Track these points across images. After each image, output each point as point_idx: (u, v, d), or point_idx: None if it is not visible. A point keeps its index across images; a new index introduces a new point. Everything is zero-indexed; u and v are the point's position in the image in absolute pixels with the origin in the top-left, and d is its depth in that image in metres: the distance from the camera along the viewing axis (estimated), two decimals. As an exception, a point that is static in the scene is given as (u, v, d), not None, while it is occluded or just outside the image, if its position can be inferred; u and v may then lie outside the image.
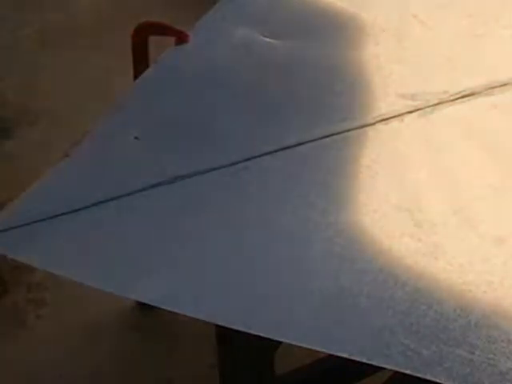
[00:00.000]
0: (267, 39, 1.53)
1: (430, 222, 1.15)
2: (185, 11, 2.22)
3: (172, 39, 1.51)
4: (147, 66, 1.51)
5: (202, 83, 1.42)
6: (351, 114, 1.35)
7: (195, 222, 1.16)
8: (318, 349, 0.99)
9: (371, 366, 0.97)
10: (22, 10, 3.11)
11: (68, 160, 1.24)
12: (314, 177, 1.24)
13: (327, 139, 1.29)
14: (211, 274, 1.09)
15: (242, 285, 1.07)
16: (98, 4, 3.17)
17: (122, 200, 1.17)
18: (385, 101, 1.38)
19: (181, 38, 1.50)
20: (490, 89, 1.40)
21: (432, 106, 1.36)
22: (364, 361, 0.97)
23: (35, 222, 1.13)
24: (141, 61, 1.61)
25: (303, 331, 1.01)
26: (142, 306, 1.92)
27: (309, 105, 1.39)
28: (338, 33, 1.58)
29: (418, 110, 1.35)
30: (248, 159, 1.25)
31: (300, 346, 0.98)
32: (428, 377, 0.94)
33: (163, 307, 1.04)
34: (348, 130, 1.31)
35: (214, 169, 1.23)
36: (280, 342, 1.24)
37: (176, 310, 1.03)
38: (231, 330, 1.01)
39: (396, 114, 1.34)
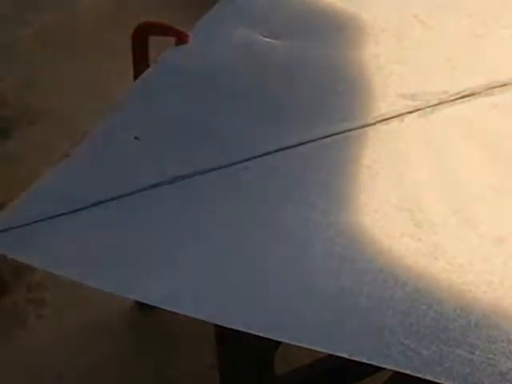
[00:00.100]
0: (267, 39, 1.53)
1: (430, 221, 1.15)
2: (185, 11, 2.22)
3: (172, 39, 1.51)
4: (147, 66, 1.51)
5: (202, 83, 1.42)
6: (351, 114, 1.35)
7: (195, 221, 1.16)
8: (318, 349, 0.99)
9: (371, 365, 0.97)
10: (22, 10, 3.11)
11: (68, 160, 1.23)
12: (314, 177, 1.24)
13: (327, 139, 1.29)
14: (211, 273, 1.09)
15: (242, 285, 1.07)
16: (98, 4, 3.17)
17: (122, 200, 1.17)
18: (385, 101, 1.38)
19: (181, 38, 1.50)
20: (490, 89, 1.40)
21: (432, 106, 1.36)
22: (364, 361, 0.97)
23: (35, 222, 1.13)
24: (141, 61, 1.61)
25: (303, 331, 1.01)
26: (142, 306, 1.92)
27: (309, 105, 1.39)
28: (338, 33, 1.58)
29: (418, 110, 1.35)
30: (248, 159, 1.25)
31: (300, 346, 0.98)
32: (428, 377, 0.94)
33: (163, 307, 1.04)
34: (348, 130, 1.31)
35: (214, 169, 1.23)
36: (280, 342, 1.24)
37: (176, 310, 1.03)
38: (231, 330, 1.01)
39: (396, 113, 1.34)
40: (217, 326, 1.22)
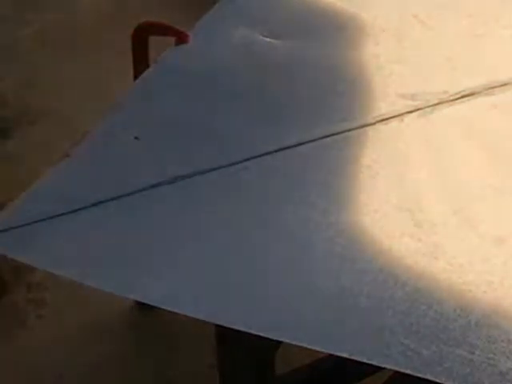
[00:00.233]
0: (267, 39, 1.53)
1: (430, 221, 1.15)
2: (185, 11, 2.22)
3: (172, 39, 1.51)
4: (147, 66, 1.51)
5: (202, 83, 1.42)
6: (351, 113, 1.35)
7: (195, 221, 1.16)
8: (318, 349, 0.99)
9: (371, 365, 0.97)
10: (22, 10, 3.11)
11: (68, 160, 1.23)
12: (314, 177, 1.24)
13: (327, 139, 1.29)
14: (211, 273, 1.09)
15: (242, 285, 1.07)
16: (98, 4, 3.17)
17: (122, 200, 1.17)
18: (385, 101, 1.38)
19: (181, 38, 1.50)
20: (490, 89, 1.40)
21: (432, 105, 1.36)
22: (364, 361, 0.97)
23: (35, 222, 1.13)
24: (141, 61, 1.61)
25: (303, 331, 1.01)
26: (142, 306, 1.92)
27: (309, 105, 1.39)
28: (338, 33, 1.58)
29: (418, 109, 1.35)
30: (248, 159, 1.25)
31: (300, 346, 0.98)
32: (428, 377, 0.94)
33: (163, 307, 1.04)
34: (348, 130, 1.31)
35: (214, 169, 1.23)
36: (280, 342, 1.24)
37: (176, 310, 1.03)
38: (231, 329, 1.01)
39: (396, 113, 1.34)
40: (217, 325, 1.22)
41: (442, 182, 1.23)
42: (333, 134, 1.30)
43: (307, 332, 1.01)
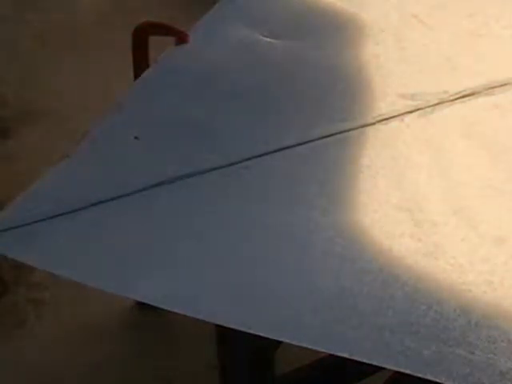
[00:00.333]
0: (267, 39, 1.53)
1: (430, 221, 1.15)
2: (185, 11, 2.22)
3: (172, 39, 1.51)
4: (147, 66, 1.51)
5: (202, 83, 1.42)
6: (351, 114, 1.35)
7: (195, 221, 1.16)
8: (319, 348, 0.99)
9: (371, 365, 0.97)
10: (22, 10, 3.11)
11: (68, 160, 1.24)
12: (314, 177, 1.24)
13: (327, 139, 1.29)
14: (211, 273, 1.09)
15: (242, 285, 1.07)
16: (98, 4, 3.17)
17: (122, 200, 1.17)
18: (385, 101, 1.38)
19: (181, 38, 1.50)
20: (490, 89, 1.40)
21: (432, 106, 1.36)
22: (364, 361, 0.97)
23: (35, 222, 1.13)
24: (141, 61, 1.61)
25: (303, 331, 1.01)
26: (142, 306, 1.91)
27: (309, 105, 1.39)
28: (338, 33, 1.58)
29: (418, 109, 1.35)
30: (248, 159, 1.25)
31: (300, 346, 0.98)
32: (428, 377, 0.94)
33: (163, 307, 1.04)
34: (348, 130, 1.31)
35: (214, 169, 1.23)
36: (280, 342, 1.24)
37: (176, 310, 1.03)
38: (231, 329, 1.01)
39: (396, 113, 1.34)
40: (217, 325, 1.22)
41: (442, 181, 1.23)
42: (333, 134, 1.30)
43: (307, 332, 1.01)
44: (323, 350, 1.00)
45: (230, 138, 1.30)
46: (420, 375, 0.95)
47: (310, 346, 0.98)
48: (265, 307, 1.04)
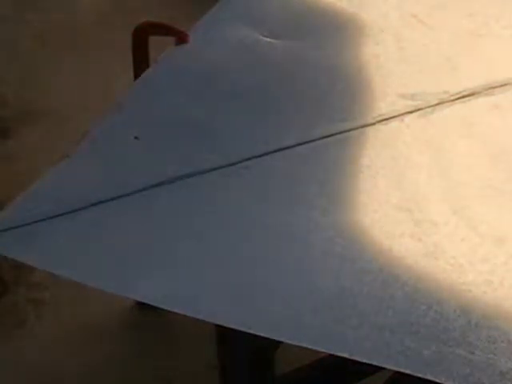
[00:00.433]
0: (267, 39, 1.53)
1: (430, 221, 1.15)
2: (185, 11, 2.22)
3: (172, 39, 1.51)
4: (147, 66, 1.51)
5: (202, 83, 1.42)
6: (351, 114, 1.35)
7: (195, 221, 1.16)
8: (319, 348, 0.99)
9: (371, 365, 0.97)
10: (22, 10, 3.11)
11: (68, 160, 1.24)
12: (314, 177, 1.24)
13: (327, 139, 1.29)
14: (211, 273, 1.09)
15: (242, 285, 1.07)
16: (98, 4, 3.17)
17: (122, 200, 1.17)
18: (385, 101, 1.38)
19: (181, 38, 1.50)
20: (490, 89, 1.40)
21: (432, 106, 1.36)
22: (364, 361, 0.97)
23: (35, 222, 1.13)
24: (141, 61, 1.61)
25: (303, 331, 1.01)
26: (142, 306, 1.91)
27: (309, 105, 1.39)
28: (338, 33, 1.58)
29: (418, 110, 1.35)
30: (248, 159, 1.25)
31: (300, 346, 0.98)
32: (428, 377, 0.94)
33: (163, 307, 1.04)
34: (348, 130, 1.31)
35: (214, 169, 1.23)
36: (280, 342, 1.24)
37: (176, 310, 1.03)
38: (231, 329, 1.01)
39: (396, 114, 1.34)
40: (217, 325, 1.22)
41: (442, 181, 1.23)
42: (332, 134, 1.30)
43: (307, 332, 1.01)
44: (323, 350, 1.00)
45: (230, 138, 1.30)
46: (420, 375, 0.95)
47: (310, 346, 0.98)
48: (265, 307, 1.04)
